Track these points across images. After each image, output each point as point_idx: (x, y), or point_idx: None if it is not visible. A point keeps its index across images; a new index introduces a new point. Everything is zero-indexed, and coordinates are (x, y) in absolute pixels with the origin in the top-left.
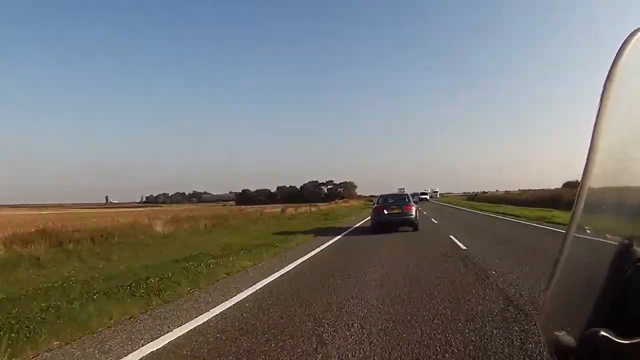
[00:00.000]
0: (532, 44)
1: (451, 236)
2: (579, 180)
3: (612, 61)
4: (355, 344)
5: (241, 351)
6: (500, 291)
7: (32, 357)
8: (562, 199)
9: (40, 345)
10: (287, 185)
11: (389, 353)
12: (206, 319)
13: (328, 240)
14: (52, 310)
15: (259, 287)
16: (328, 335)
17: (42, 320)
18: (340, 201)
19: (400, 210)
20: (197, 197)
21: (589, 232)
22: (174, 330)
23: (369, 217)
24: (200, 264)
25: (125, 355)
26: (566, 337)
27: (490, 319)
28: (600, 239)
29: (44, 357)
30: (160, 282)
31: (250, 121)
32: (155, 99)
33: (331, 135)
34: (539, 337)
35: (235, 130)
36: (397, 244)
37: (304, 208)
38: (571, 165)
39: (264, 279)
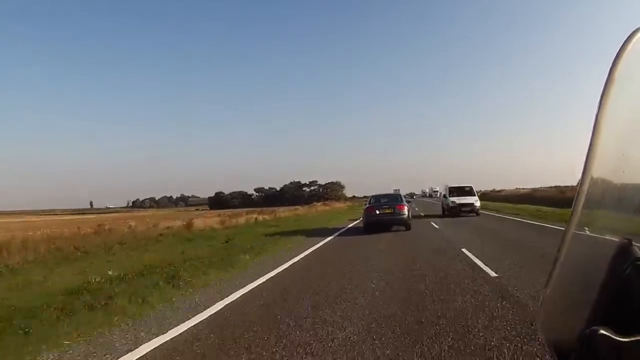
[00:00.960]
0: (532, 43)
1: (472, 257)
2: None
3: (612, 61)
4: None
5: None
6: None
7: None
8: None
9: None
10: (267, 187)
11: None
12: None
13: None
14: None
15: None
16: None
17: None
18: (318, 204)
19: (393, 210)
20: (184, 201)
21: (588, 230)
22: None
23: (341, 232)
24: None
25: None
26: (566, 336)
27: None
28: (600, 238)
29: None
30: None
31: (239, 123)
32: (141, 101)
33: (322, 134)
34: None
35: (225, 133)
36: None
37: (255, 215)
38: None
39: None
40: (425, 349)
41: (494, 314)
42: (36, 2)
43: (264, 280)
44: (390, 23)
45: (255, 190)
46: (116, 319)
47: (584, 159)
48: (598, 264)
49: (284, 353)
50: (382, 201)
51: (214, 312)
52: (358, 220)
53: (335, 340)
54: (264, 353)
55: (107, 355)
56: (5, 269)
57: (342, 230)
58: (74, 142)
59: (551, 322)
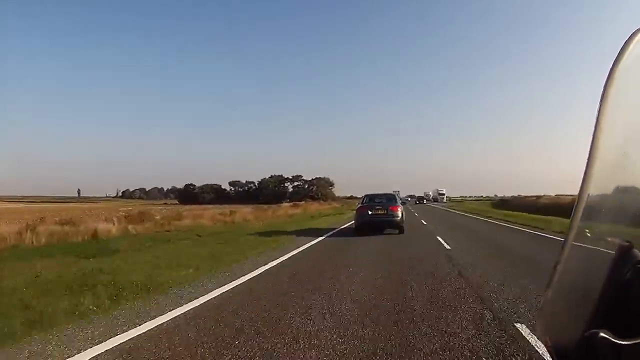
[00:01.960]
0: (533, 43)
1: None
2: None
3: (612, 62)
4: None
5: None
6: None
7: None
8: None
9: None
10: (243, 181)
11: None
12: None
13: None
14: None
15: None
16: None
17: None
18: (287, 204)
19: (385, 211)
20: (174, 193)
21: (589, 234)
22: None
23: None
24: None
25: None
26: (566, 338)
27: None
28: (601, 241)
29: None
30: None
31: (233, 110)
32: (143, 92)
33: (322, 134)
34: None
35: (223, 128)
36: None
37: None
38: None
39: None
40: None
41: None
42: None
43: None
44: (390, 23)
45: (230, 184)
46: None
47: (585, 162)
48: (599, 267)
49: None
50: (375, 201)
51: None
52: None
53: None
54: None
55: (262, 264)
56: None
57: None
58: (67, 130)
59: (551, 325)
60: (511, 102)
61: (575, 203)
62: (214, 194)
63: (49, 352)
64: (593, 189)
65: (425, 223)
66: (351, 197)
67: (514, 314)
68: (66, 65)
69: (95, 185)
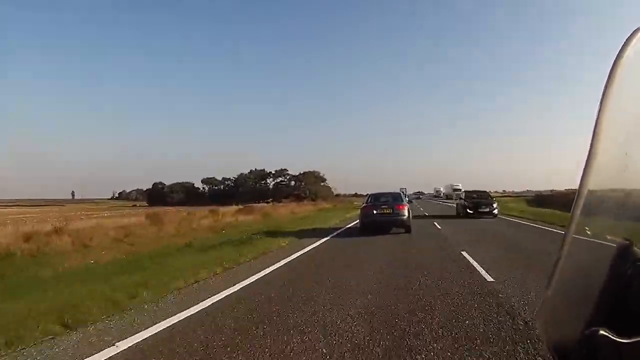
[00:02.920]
0: (532, 44)
1: None
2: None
3: (612, 62)
4: None
5: None
6: None
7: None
8: None
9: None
10: (220, 178)
11: None
12: None
13: None
14: None
15: None
16: None
17: None
18: (235, 207)
19: (391, 211)
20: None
21: (588, 232)
22: None
23: None
24: None
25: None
26: (566, 337)
27: None
28: (600, 239)
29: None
30: None
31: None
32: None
33: (322, 133)
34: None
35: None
36: None
37: None
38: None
39: None
40: None
41: None
42: None
43: None
44: (391, 23)
45: (204, 181)
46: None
47: (584, 160)
48: (598, 265)
49: None
50: (380, 200)
51: None
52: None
53: None
54: None
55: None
56: None
57: None
58: (62, 131)
59: (552, 323)
60: (512, 102)
61: (575, 201)
62: (184, 194)
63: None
64: (592, 187)
65: (440, 228)
66: (356, 195)
67: None
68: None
69: (94, 186)
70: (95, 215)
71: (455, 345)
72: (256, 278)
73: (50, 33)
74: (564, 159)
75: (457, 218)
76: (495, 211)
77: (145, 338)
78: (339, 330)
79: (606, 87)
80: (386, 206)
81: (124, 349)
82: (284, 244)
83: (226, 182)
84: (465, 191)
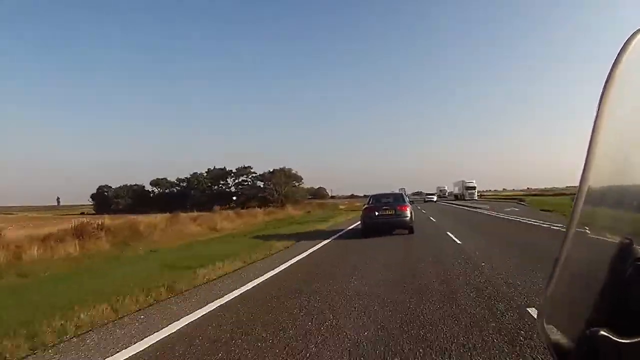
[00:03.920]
0: (533, 43)
1: None
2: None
3: (612, 62)
4: None
5: None
6: None
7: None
8: None
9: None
10: (170, 179)
11: None
12: None
13: None
14: None
15: None
16: None
17: None
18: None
19: (394, 212)
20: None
21: (588, 231)
22: None
23: None
24: None
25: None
26: (566, 337)
27: None
28: (600, 238)
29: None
30: None
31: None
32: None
33: (321, 133)
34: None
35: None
36: None
37: None
38: None
39: None
40: None
41: None
42: None
43: None
44: (390, 24)
45: (152, 183)
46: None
47: (584, 159)
48: (599, 265)
49: None
50: (382, 201)
51: None
52: None
53: None
54: None
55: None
56: None
57: None
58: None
59: (552, 323)
60: (511, 102)
61: (575, 200)
62: (132, 199)
63: None
64: (592, 187)
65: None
66: (352, 196)
67: None
68: None
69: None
70: (31, 225)
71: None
72: None
73: None
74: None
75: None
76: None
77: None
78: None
79: (605, 86)
80: (388, 207)
81: None
82: None
83: (181, 183)
84: None
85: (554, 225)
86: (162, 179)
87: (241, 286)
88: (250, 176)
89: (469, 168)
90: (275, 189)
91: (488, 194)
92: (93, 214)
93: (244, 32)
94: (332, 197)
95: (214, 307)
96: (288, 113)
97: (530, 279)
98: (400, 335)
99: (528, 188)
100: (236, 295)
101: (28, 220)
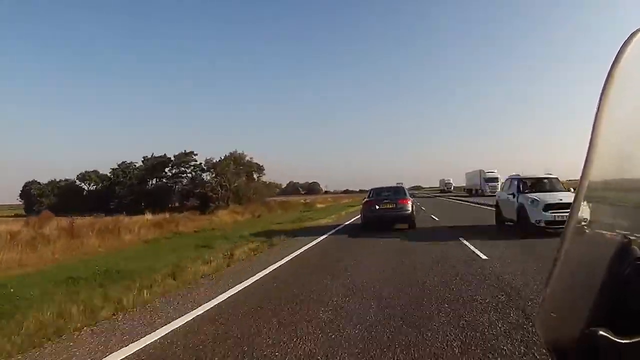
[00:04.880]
0: (533, 42)
1: None
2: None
3: (612, 61)
4: None
5: None
6: None
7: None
8: None
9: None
10: (106, 171)
11: None
12: None
13: None
14: None
15: None
16: None
17: None
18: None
19: (394, 205)
20: None
21: (588, 230)
22: None
23: None
24: None
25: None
26: (565, 336)
27: None
28: (600, 237)
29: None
30: None
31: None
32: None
33: (322, 133)
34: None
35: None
36: None
37: None
38: None
39: None
40: None
41: None
42: None
43: None
44: (389, 25)
45: (80, 177)
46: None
47: (584, 158)
48: (598, 264)
49: None
50: (383, 195)
51: None
52: None
53: None
54: None
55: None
56: None
57: None
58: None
59: (550, 322)
60: (511, 101)
61: (574, 199)
62: (57, 197)
63: None
64: (592, 186)
65: None
66: (346, 191)
67: None
68: None
69: None
70: None
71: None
72: None
73: None
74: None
75: None
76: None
77: None
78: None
79: (605, 86)
80: (389, 201)
81: None
82: None
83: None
84: None
85: None
86: (91, 171)
87: None
88: (190, 166)
89: (465, 167)
90: (221, 183)
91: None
92: (24, 216)
93: (243, 32)
94: (326, 192)
95: None
96: (287, 112)
97: None
98: None
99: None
100: None
101: None
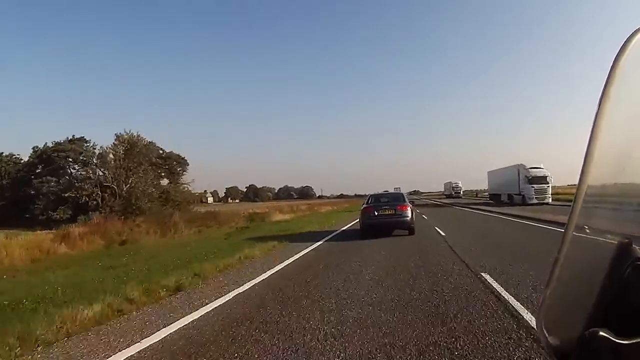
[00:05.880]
0: (533, 42)
1: None
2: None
3: (612, 62)
4: None
5: None
6: None
7: None
8: None
9: None
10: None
11: None
12: None
13: None
14: None
15: None
16: None
17: None
18: None
19: (394, 211)
20: None
21: (588, 231)
22: None
23: None
24: None
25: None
26: (565, 337)
27: None
28: (600, 238)
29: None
30: None
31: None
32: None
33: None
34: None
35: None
36: None
37: None
38: None
39: None
40: None
41: None
42: None
43: None
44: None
45: None
46: None
47: (583, 159)
48: (598, 265)
49: None
50: (381, 201)
51: None
52: None
53: None
54: None
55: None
56: None
57: None
58: None
59: (550, 324)
60: (511, 100)
61: (574, 200)
62: None
63: None
64: (591, 186)
65: None
66: (341, 196)
67: None
68: None
69: None
70: None
71: None
72: None
73: None
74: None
75: None
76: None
77: None
78: None
79: (605, 86)
80: (388, 207)
81: None
82: None
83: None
84: None
85: None
86: None
87: None
88: (81, 158)
89: (462, 169)
90: (102, 183)
91: (482, 193)
92: None
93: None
94: (320, 197)
95: None
96: (287, 112)
97: None
98: None
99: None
100: None
101: None
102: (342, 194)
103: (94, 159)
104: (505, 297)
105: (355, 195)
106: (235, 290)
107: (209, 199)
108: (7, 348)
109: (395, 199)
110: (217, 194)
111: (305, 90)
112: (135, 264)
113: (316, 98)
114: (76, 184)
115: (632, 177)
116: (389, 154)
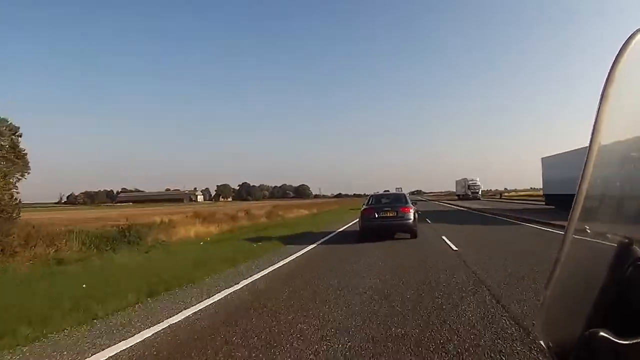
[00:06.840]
0: (533, 42)
1: None
2: None
3: (612, 62)
4: None
5: None
6: None
7: None
8: None
9: None
10: None
11: None
12: None
13: None
14: None
15: None
16: None
17: None
18: None
19: (395, 214)
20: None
21: (588, 231)
22: None
23: None
24: None
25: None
26: (565, 338)
27: None
28: (600, 239)
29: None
30: None
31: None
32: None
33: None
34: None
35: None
36: None
37: None
38: None
39: None
40: None
41: None
42: None
43: None
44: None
45: None
46: None
47: (584, 159)
48: (598, 265)
49: None
50: (382, 202)
51: None
52: None
53: None
54: None
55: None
56: None
57: None
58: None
59: (551, 324)
60: (511, 100)
61: (574, 200)
62: None
63: None
64: (592, 186)
65: None
66: (339, 195)
67: None
68: None
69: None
70: None
71: None
72: None
73: None
74: None
75: None
76: None
77: None
78: None
79: (605, 86)
80: (389, 208)
81: None
82: None
83: None
84: None
85: None
86: None
87: None
88: None
89: (461, 169)
90: None
91: (507, 194)
92: None
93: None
94: (316, 196)
95: None
96: (288, 113)
97: None
98: None
99: (532, 188)
100: None
101: None
102: (339, 193)
103: None
104: None
105: (354, 194)
106: None
107: (198, 197)
108: None
109: (397, 200)
110: (209, 191)
111: (305, 90)
112: None
113: (316, 98)
114: None
115: (633, 176)
116: (389, 154)
